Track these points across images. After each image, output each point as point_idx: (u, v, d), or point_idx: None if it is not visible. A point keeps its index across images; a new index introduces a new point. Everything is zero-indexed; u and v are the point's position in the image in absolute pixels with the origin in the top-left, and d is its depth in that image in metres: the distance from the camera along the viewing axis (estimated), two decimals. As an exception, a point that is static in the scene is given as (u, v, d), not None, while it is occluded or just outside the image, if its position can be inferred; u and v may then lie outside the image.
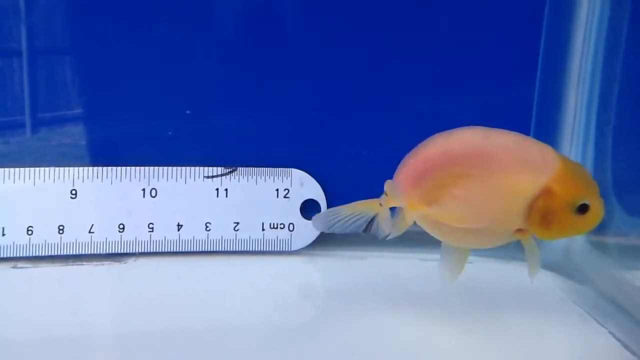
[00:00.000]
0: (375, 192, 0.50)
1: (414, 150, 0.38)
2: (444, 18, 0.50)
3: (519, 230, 0.35)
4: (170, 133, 0.49)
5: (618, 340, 0.36)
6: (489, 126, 0.48)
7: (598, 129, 0.46)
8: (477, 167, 0.35)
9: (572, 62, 0.48)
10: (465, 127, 0.36)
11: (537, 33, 0.49)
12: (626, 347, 0.35)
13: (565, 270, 0.45)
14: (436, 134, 0.37)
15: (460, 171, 0.35)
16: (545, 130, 0.49)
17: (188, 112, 0.49)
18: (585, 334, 0.37)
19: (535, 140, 0.36)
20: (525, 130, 0.49)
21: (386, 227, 0.39)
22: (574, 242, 0.47)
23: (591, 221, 0.35)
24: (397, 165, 0.50)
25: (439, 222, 0.36)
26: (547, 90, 0.49)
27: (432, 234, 0.38)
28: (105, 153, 0.49)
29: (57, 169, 0.46)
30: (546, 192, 0.34)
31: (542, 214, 0.34)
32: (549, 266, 0.46)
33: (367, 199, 0.45)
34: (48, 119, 0.49)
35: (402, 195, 0.38)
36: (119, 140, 0.49)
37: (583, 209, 0.34)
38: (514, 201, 0.35)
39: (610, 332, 0.37)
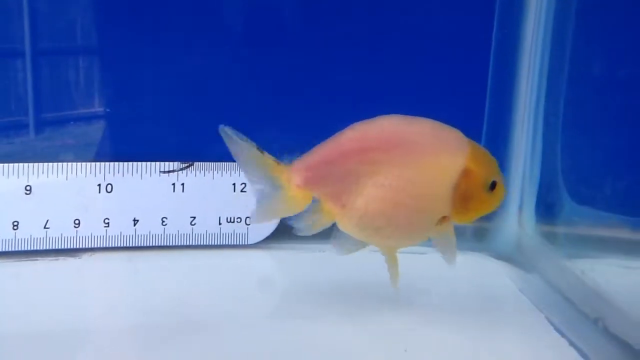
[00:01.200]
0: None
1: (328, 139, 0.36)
2: (404, 14, 0.50)
3: (442, 219, 0.35)
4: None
5: (554, 327, 0.37)
6: (440, 119, 0.50)
7: (546, 120, 0.47)
8: (398, 153, 0.34)
9: (523, 55, 0.49)
10: (384, 115, 0.36)
11: (488, 28, 0.50)
12: (561, 333, 0.36)
13: (515, 259, 0.46)
14: (354, 123, 0.36)
15: (378, 157, 0.34)
16: (497, 122, 0.50)
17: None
18: (523, 321, 0.38)
19: (446, 125, 0.36)
20: (477, 123, 0.51)
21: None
22: (524, 232, 0.48)
23: (499, 196, 0.36)
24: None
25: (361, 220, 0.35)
26: (498, 84, 0.50)
27: (351, 234, 0.37)
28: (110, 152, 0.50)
29: (11, 164, 0.46)
30: (465, 173, 0.34)
31: (463, 195, 0.34)
32: (500, 256, 0.47)
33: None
34: (51, 119, 0.50)
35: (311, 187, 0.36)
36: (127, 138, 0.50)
37: (493, 186, 0.35)
38: (440, 184, 0.34)
39: (547, 319, 0.38)
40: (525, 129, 0.48)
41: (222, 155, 0.48)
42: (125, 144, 0.50)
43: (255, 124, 0.50)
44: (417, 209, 0.34)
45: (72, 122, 0.50)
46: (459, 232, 0.37)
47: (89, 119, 0.50)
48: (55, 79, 0.49)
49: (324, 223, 0.37)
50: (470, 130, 0.50)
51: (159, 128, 0.51)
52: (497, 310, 0.40)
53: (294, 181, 0.36)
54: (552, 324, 0.37)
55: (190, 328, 0.37)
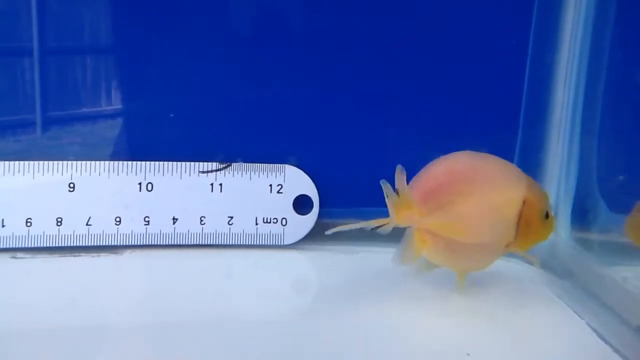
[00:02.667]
0: (367, 189, 0.52)
1: (422, 171, 0.41)
2: (439, 23, 0.51)
3: (507, 245, 0.40)
4: (172, 115, 0.50)
5: (595, 332, 0.37)
6: (477, 128, 0.50)
7: (583, 127, 0.47)
8: (478, 185, 0.39)
9: (559, 63, 0.49)
10: (460, 152, 0.41)
11: (526, 33, 0.50)
12: (603, 338, 0.36)
13: (550, 266, 0.46)
14: (438, 158, 0.41)
15: (464, 189, 0.38)
16: (533, 128, 0.50)
17: (171, 115, 0.50)
18: (565, 327, 0.38)
19: (506, 161, 0.41)
20: (513, 130, 0.51)
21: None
22: (560, 239, 0.48)
23: (551, 225, 0.41)
24: (389, 164, 0.51)
25: (448, 244, 0.39)
26: (534, 92, 0.50)
27: (437, 260, 0.41)
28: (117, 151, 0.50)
29: (55, 162, 0.47)
30: (526, 204, 0.39)
31: (524, 223, 0.39)
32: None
33: (360, 196, 0.47)
34: (58, 117, 0.50)
35: (414, 204, 0.39)
36: (117, 136, 0.51)
37: (547, 215, 0.40)
38: (508, 213, 0.39)
39: (588, 325, 0.38)
40: (562, 135, 0.49)
41: (260, 156, 0.50)
42: (162, 144, 0.51)
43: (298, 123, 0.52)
44: (492, 235, 0.39)
45: (78, 121, 0.50)
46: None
47: (96, 117, 0.50)
48: (62, 77, 0.50)
49: (418, 252, 0.40)
50: (506, 136, 0.51)
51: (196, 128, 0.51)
52: (537, 317, 0.40)
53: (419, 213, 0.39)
54: (594, 330, 0.37)
55: (225, 326, 0.37)
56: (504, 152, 0.50)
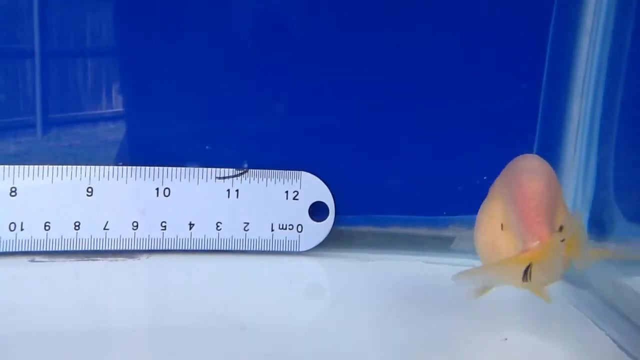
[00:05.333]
0: (383, 196, 0.52)
1: (525, 192, 0.34)
2: (455, 29, 0.51)
3: None
4: (208, 147, 0.50)
5: (615, 342, 0.37)
6: (493, 135, 0.50)
7: (601, 137, 0.47)
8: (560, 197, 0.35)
9: (577, 72, 0.49)
10: (526, 156, 0.37)
11: (543, 43, 0.50)
12: (623, 349, 0.36)
13: (567, 276, 0.46)
14: (512, 167, 0.36)
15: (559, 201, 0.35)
16: (549, 138, 0.50)
17: (207, 147, 0.50)
18: (584, 337, 0.38)
19: None
20: (529, 139, 0.51)
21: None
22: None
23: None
24: (404, 171, 0.51)
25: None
26: (551, 100, 0.50)
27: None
28: (118, 153, 0.50)
29: (74, 167, 0.47)
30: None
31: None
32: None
33: (375, 203, 0.46)
34: (59, 119, 0.50)
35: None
36: (133, 141, 0.51)
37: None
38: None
39: (607, 335, 0.38)
40: (579, 145, 0.49)
41: (275, 163, 0.50)
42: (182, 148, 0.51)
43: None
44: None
45: (79, 123, 0.50)
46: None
47: (97, 120, 0.51)
48: (63, 79, 0.50)
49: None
50: (523, 144, 0.51)
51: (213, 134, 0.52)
52: (556, 326, 0.40)
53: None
54: (613, 340, 0.37)
55: (240, 332, 0.37)
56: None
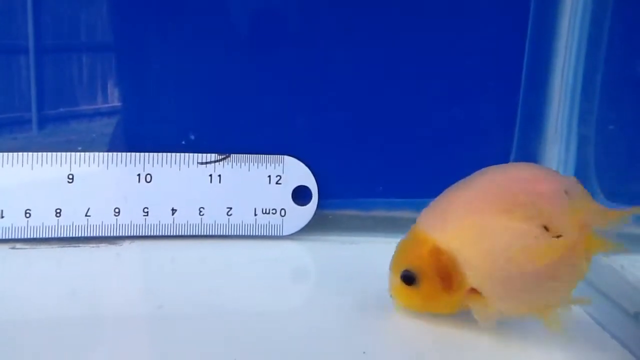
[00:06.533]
0: (366, 180, 0.52)
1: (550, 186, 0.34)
2: (440, 22, 0.51)
3: None
4: (192, 137, 0.50)
5: (590, 316, 0.37)
6: (475, 116, 0.50)
7: (581, 116, 0.47)
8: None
9: (557, 52, 0.49)
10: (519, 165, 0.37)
11: (523, 21, 0.50)
12: (600, 324, 0.36)
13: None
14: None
15: None
16: (531, 119, 0.51)
17: (192, 137, 0.50)
18: (563, 317, 0.37)
19: None
20: (511, 120, 0.51)
21: None
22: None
23: None
24: (387, 155, 0.52)
25: None
26: (532, 79, 0.50)
27: None
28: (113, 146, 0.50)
29: (54, 153, 0.47)
30: None
31: None
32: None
33: (358, 187, 0.46)
34: (55, 115, 0.50)
35: None
36: (129, 134, 0.51)
37: None
38: None
39: (585, 311, 0.38)
40: (560, 123, 0.49)
41: (258, 147, 0.50)
42: (160, 138, 0.51)
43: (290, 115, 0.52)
44: None
45: (75, 118, 0.50)
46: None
47: (92, 115, 0.50)
48: (58, 75, 0.49)
49: None
50: (505, 123, 0.51)
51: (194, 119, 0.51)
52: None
53: None
54: (592, 317, 0.37)
55: (224, 317, 0.38)
56: (502, 144, 0.51)
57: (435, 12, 0.50)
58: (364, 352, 0.34)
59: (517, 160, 0.51)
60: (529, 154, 0.51)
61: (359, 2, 0.50)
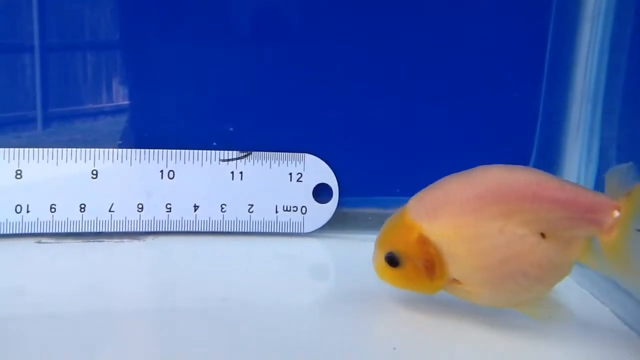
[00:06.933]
0: (386, 178, 0.52)
1: (551, 185, 0.34)
2: (462, 21, 0.51)
3: None
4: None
5: (619, 317, 0.37)
6: (496, 115, 0.49)
7: (604, 116, 0.47)
8: None
9: (579, 53, 0.49)
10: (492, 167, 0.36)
11: (545, 20, 0.50)
12: (629, 325, 0.36)
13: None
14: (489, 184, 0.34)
15: None
16: (552, 119, 0.51)
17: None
18: (591, 317, 0.38)
19: None
20: (532, 121, 0.51)
21: None
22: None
23: None
24: (408, 153, 0.52)
25: None
26: (554, 79, 0.50)
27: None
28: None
29: (79, 149, 0.48)
30: None
31: None
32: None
33: (379, 185, 0.46)
34: (59, 113, 0.51)
35: None
36: (134, 134, 0.51)
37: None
38: None
39: (612, 311, 0.38)
40: (582, 124, 0.49)
41: (280, 145, 0.50)
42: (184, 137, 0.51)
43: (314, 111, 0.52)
44: None
45: (79, 117, 0.50)
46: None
47: (96, 114, 0.51)
48: (63, 73, 0.50)
49: None
50: (526, 124, 0.51)
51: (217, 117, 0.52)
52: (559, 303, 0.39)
53: None
54: (619, 317, 0.37)
55: (244, 313, 0.38)
56: (523, 145, 0.51)
57: (458, 11, 0.50)
58: (395, 349, 0.34)
59: (538, 161, 0.51)
60: (550, 154, 0.51)
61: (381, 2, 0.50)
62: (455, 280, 0.35)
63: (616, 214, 0.32)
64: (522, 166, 0.35)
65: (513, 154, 0.51)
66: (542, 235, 0.33)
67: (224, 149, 0.50)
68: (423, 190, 0.36)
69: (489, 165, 0.35)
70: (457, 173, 0.36)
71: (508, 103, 0.51)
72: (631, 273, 0.32)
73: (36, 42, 0.49)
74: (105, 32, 0.50)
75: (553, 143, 0.51)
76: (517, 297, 0.34)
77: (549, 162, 0.51)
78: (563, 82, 0.50)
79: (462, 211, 0.34)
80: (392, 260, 0.36)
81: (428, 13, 0.50)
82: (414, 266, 0.35)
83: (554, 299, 0.35)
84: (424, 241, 0.34)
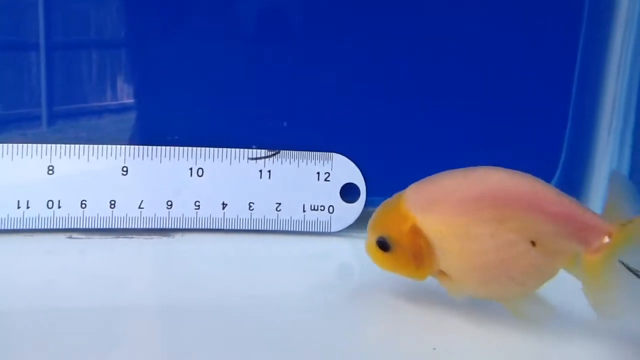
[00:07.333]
0: (414, 178, 0.52)
1: (547, 195, 0.34)
2: (494, 25, 0.51)
3: None
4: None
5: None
6: (525, 120, 0.49)
7: (636, 124, 0.46)
8: None
9: (612, 55, 0.49)
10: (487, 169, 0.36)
11: (577, 26, 0.50)
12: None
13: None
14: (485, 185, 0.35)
15: None
16: (582, 123, 0.50)
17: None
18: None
19: None
20: (562, 125, 0.51)
21: None
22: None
23: None
24: (436, 153, 0.51)
25: None
26: (584, 83, 0.50)
27: None
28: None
29: (109, 146, 0.48)
30: None
31: None
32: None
33: (406, 185, 0.46)
34: (64, 111, 0.51)
35: None
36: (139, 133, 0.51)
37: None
38: None
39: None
40: (613, 129, 0.48)
41: (308, 144, 0.50)
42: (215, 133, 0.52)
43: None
44: None
45: (84, 115, 0.51)
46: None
47: (102, 112, 0.51)
48: (68, 71, 0.50)
49: None
50: (555, 130, 0.50)
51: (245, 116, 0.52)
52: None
53: None
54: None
55: (270, 311, 0.38)
56: (552, 150, 0.51)
57: (490, 13, 0.50)
58: (434, 349, 0.34)
59: (566, 166, 0.51)
60: (580, 159, 0.50)
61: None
62: (442, 272, 0.36)
63: (606, 239, 0.32)
64: (523, 173, 0.35)
65: (542, 158, 0.51)
66: (532, 243, 0.33)
67: (251, 147, 0.50)
68: (423, 180, 0.37)
69: (492, 168, 0.35)
70: (460, 169, 0.36)
71: (538, 106, 0.51)
72: (600, 299, 0.32)
73: (42, 40, 0.49)
74: (111, 30, 0.50)
75: (582, 148, 0.51)
76: (499, 295, 0.35)
77: (578, 166, 0.51)
78: (594, 86, 0.50)
79: (457, 211, 0.34)
80: (383, 245, 0.37)
81: (462, 14, 0.50)
82: (404, 254, 0.36)
83: (538, 297, 0.35)
84: (416, 232, 0.35)
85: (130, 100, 0.51)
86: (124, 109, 0.51)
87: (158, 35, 0.50)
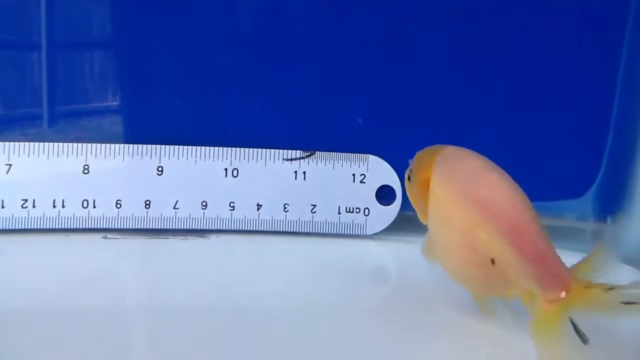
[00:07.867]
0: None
1: (517, 225, 0.33)
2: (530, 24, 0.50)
3: None
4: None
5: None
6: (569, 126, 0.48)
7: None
8: None
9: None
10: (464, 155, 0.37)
11: (619, 38, 0.49)
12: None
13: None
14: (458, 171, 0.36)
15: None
16: (623, 134, 0.50)
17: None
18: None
19: None
20: (603, 135, 0.50)
21: None
22: None
23: None
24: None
25: None
26: (626, 92, 0.49)
27: None
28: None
29: (144, 146, 0.48)
30: None
31: None
32: (625, 259, 0.46)
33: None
34: (66, 111, 0.51)
35: None
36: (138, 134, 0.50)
37: None
38: None
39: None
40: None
41: (344, 146, 0.50)
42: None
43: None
44: None
45: (86, 115, 0.50)
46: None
47: (103, 112, 0.51)
48: (70, 71, 0.50)
49: None
50: (595, 143, 0.50)
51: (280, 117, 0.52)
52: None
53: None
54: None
55: (302, 313, 0.38)
56: (592, 158, 0.51)
57: (534, 18, 0.50)
58: (487, 355, 0.33)
59: (606, 176, 0.50)
60: (620, 170, 0.50)
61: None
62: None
63: (563, 294, 0.31)
64: (524, 198, 0.33)
65: (582, 168, 0.50)
66: (492, 261, 0.33)
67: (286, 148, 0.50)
68: (461, 152, 0.38)
69: (505, 178, 0.34)
70: (491, 165, 0.36)
71: (579, 115, 0.50)
72: (543, 344, 0.31)
73: (43, 40, 0.49)
74: (113, 31, 0.50)
75: (623, 159, 0.50)
76: (463, 283, 0.36)
77: (618, 177, 0.50)
78: (636, 95, 0.49)
79: (457, 201, 0.34)
80: (408, 176, 0.40)
81: (507, 16, 0.50)
82: (415, 193, 0.39)
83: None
84: (426, 186, 0.37)
85: (131, 101, 0.51)
86: (123, 109, 0.51)
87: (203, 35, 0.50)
